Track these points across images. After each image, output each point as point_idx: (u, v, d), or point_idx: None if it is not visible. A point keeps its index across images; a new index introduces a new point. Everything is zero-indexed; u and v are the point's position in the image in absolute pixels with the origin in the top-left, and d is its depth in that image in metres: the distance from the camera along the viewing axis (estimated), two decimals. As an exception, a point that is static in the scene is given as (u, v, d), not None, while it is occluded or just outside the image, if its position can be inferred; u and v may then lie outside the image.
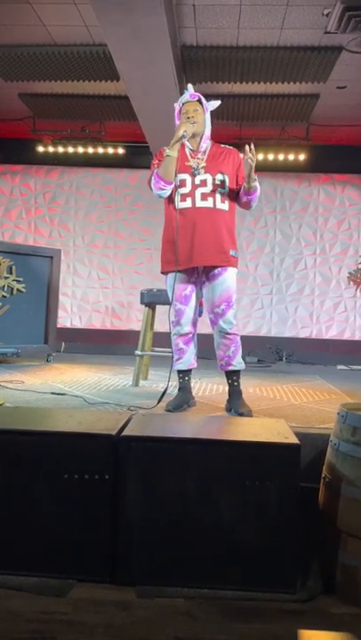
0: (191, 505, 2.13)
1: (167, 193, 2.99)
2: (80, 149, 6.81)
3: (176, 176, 2.95)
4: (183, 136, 2.88)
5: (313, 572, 2.22)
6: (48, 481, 2.16)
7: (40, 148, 6.87)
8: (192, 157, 3.01)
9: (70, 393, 3.54)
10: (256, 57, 4.86)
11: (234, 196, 3.04)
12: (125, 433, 2.22)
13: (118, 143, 6.88)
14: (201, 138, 3.01)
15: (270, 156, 6.59)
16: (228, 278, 3.01)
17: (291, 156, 6.66)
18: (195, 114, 2.96)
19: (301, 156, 6.65)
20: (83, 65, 5.11)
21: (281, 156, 6.64)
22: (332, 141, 6.86)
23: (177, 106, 3.05)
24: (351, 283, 7.08)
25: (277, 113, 6.08)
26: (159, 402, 3.10)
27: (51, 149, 6.83)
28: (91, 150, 6.84)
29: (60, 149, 6.81)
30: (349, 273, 7.09)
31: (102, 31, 4.12)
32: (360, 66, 4.99)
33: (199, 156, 3.01)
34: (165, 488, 2.14)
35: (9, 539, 2.16)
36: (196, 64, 4.98)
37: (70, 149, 6.80)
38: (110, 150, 6.90)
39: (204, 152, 3.02)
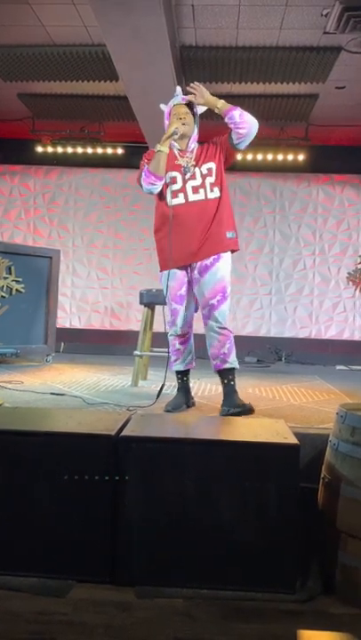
0: (191, 505, 2.14)
1: (158, 189, 3.01)
2: (79, 150, 6.80)
3: (166, 173, 2.98)
4: (175, 132, 2.93)
5: (312, 573, 2.22)
6: (48, 481, 2.16)
7: (39, 149, 6.87)
8: (181, 157, 3.04)
9: (70, 393, 3.54)
10: (255, 57, 4.86)
11: (225, 169, 3.05)
12: (125, 433, 2.22)
13: (117, 143, 6.87)
14: (190, 139, 3.04)
15: (269, 157, 6.59)
16: (222, 267, 2.98)
17: (290, 157, 6.65)
18: (185, 116, 3.01)
19: (300, 157, 6.65)
20: (82, 65, 5.10)
21: (280, 157, 6.64)
22: (331, 142, 6.86)
23: (167, 107, 3.09)
24: (350, 283, 7.08)
25: (276, 113, 6.08)
26: (157, 398, 3.10)
27: (50, 150, 6.82)
28: (90, 150, 6.83)
29: (60, 150, 6.80)
30: (348, 273, 7.09)
31: (101, 31, 4.11)
32: (359, 66, 4.99)
33: (187, 155, 3.04)
34: (165, 488, 2.14)
35: (9, 539, 2.16)
36: (195, 64, 4.98)
37: (69, 150, 6.80)
38: (109, 150, 6.89)
39: (192, 152, 3.05)
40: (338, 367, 6.12)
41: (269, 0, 4.10)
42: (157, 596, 2.04)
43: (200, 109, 3.08)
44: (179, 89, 3.15)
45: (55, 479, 2.16)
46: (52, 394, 3.48)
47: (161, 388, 3.17)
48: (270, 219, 7.18)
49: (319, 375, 5.17)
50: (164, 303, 3.85)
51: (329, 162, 7.01)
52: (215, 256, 2.97)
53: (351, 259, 7.08)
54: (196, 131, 3.07)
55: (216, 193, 3.00)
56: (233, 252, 3.07)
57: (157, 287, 4.18)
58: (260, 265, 7.18)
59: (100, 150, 6.86)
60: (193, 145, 3.06)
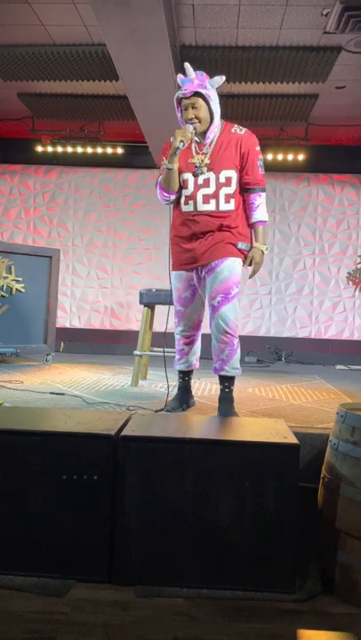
0: (190, 505, 2.14)
1: (172, 200, 2.86)
2: (79, 149, 6.80)
3: (180, 174, 2.81)
4: (179, 148, 2.69)
5: (312, 572, 2.22)
6: (47, 481, 2.16)
7: (39, 148, 6.87)
8: (197, 153, 2.82)
9: (69, 393, 3.54)
10: (255, 57, 4.86)
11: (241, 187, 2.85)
12: (124, 433, 2.22)
13: (117, 143, 6.88)
14: (207, 129, 2.78)
15: (269, 156, 6.59)
16: (228, 267, 2.81)
17: (290, 156, 6.66)
18: (195, 111, 2.72)
19: (300, 156, 6.65)
20: (82, 65, 5.10)
21: (280, 156, 6.64)
22: (331, 141, 6.86)
23: (176, 98, 2.80)
24: (350, 283, 7.09)
25: (276, 113, 6.08)
26: (166, 404, 3.07)
27: (50, 149, 6.83)
28: (90, 150, 6.83)
29: (59, 149, 6.80)
30: (348, 273, 7.09)
31: (101, 31, 4.11)
32: (359, 66, 4.99)
33: (204, 149, 2.81)
34: (165, 488, 2.14)
35: (8, 539, 2.16)
36: (194, 64, 4.94)
37: (69, 149, 6.80)
38: (109, 150, 6.90)
39: (210, 144, 2.81)
40: (338, 367, 6.12)
41: (269, 0, 4.10)
42: (157, 596, 2.04)
43: (216, 83, 2.73)
44: (187, 66, 2.77)
45: (55, 479, 2.16)
46: (51, 393, 3.48)
47: (168, 391, 3.15)
48: (270, 218, 7.14)
49: (319, 375, 5.17)
50: (164, 303, 3.86)
51: (329, 162, 7.01)
52: (221, 259, 2.82)
53: (351, 258, 7.09)
54: (215, 118, 2.76)
55: (231, 205, 2.79)
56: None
57: (157, 287, 4.19)
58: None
59: (99, 150, 6.86)
60: (212, 135, 2.79)
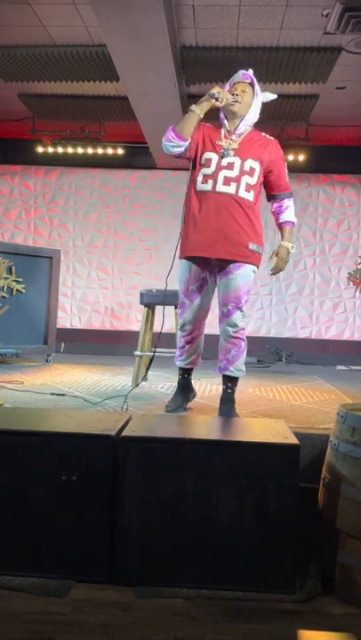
0: (190, 505, 2.13)
1: (175, 149, 2.75)
2: (79, 150, 6.80)
3: (204, 154, 2.80)
4: (213, 95, 2.68)
5: (312, 573, 2.22)
6: (47, 481, 2.16)
7: (39, 149, 6.87)
8: (226, 137, 2.82)
9: (70, 393, 3.54)
10: (255, 57, 4.86)
11: (261, 188, 2.91)
12: (125, 433, 2.22)
13: (117, 144, 6.88)
14: (241, 121, 2.83)
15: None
16: (241, 276, 2.80)
17: (290, 157, 6.64)
18: (241, 94, 2.79)
19: (301, 157, 6.65)
20: (82, 65, 5.11)
21: (280, 157, 6.63)
22: (331, 142, 6.86)
23: (227, 85, 2.87)
24: (351, 283, 7.08)
25: (277, 113, 6.07)
26: (166, 406, 3.05)
27: (50, 150, 6.83)
28: (90, 151, 6.83)
29: (60, 150, 6.80)
30: (349, 273, 7.09)
31: (102, 31, 4.11)
32: (359, 66, 4.99)
33: (233, 137, 2.82)
34: (165, 488, 2.14)
35: (8, 539, 2.16)
36: (195, 64, 4.98)
37: (70, 150, 6.80)
38: (110, 151, 6.90)
39: (240, 135, 2.83)
40: (338, 367, 6.11)
41: (270, 0, 4.10)
42: (157, 596, 2.04)
43: (265, 97, 2.87)
44: (250, 71, 2.89)
45: (55, 479, 2.16)
46: (52, 394, 3.48)
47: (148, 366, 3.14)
48: (271, 218, 7.16)
49: (319, 375, 5.17)
50: (164, 304, 3.86)
51: (329, 162, 7.01)
52: (235, 264, 2.80)
53: (352, 259, 7.09)
54: (253, 114, 2.83)
55: (250, 196, 2.78)
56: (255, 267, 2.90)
57: (158, 287, 4.19)
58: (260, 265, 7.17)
59: (100, 150, 6.86)
60: (244, 128, 2.83)
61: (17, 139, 7.06)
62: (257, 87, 2.87)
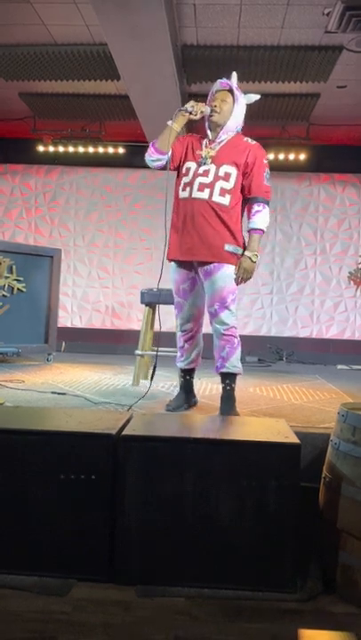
0: (191, 504, 2.13)
1: (156, 163, 2.93)
2: (80, 149, 6.80)
3: (185, 163, 2.92)
4: (187, 110, 2.82)
5: (313, 572, 2.22)
6: (48, 480, 2.16)
7: (40, 148, 6.86)
8: (206, 147, 2.92)
9: (71, 392, 3.54)
10: (256, 56, 4.86)
11: (241, 192, 2.92)
12: (125, 432, 2.21)
13: (118, 143, 6.87)
14: (221, 129, 2.91)
15: (271, 156, 6.57)
16: (221, 277, 2.86)
17: (291, 156, 6.65)
18: (221, 103, 2.88)
19: (302, 156, 6.64)
20: (83, 64, 5.10)
21: (281, 156, 6.63)
22: (332, 141, 6.85)
23: (209, 95, 2.97)
24: (351, 282, 7.08)
25: (278, 112, 6.07)
26: (167, 405, 3.08)
27: (51, 149, 6.82)
28: (91, 150, 6.83)
29: (61, 149, 6.80)
30: (350, 273, 7.08)
31: (102, 30, 4.11)
32: (360, 65, 4.99)
33: (213, 145, 2.91)
34: (165, 488, 2.14)
35: (8, 538, 2.16)
36: (196, 63, 4.98)
37: (70, 149, 6.79)
38: (110, 150, 6.89)
39: (220, 143, 2.92)
40: (339, 367, 6.12)
41: (271, -1, 4.10)
42: (158, 595, 2.04)
43: (249, 98, 2.95)
44: (234, 75, 2.97)
45: (56, 478, 2.16)
46: (52, 393, 3.48)
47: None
48: (271, 218, 7.07)
49: (320, 375, 5.17)
50: (165, 303, 3.86)
51: (330, 161, 7.00)
52: (214, 265, 2.85)
53: (352, 258, 7.08)
54: (234, 120, 2.91)
55: (225, 200, 2.84)
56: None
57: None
58: (261, 264, 7.16)
59: (101, 150, 6.85)
60: (225, 136, 2.92)
61: (18, 138, 7.05)
62: (237, 93, 2.93)
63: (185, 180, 2.92)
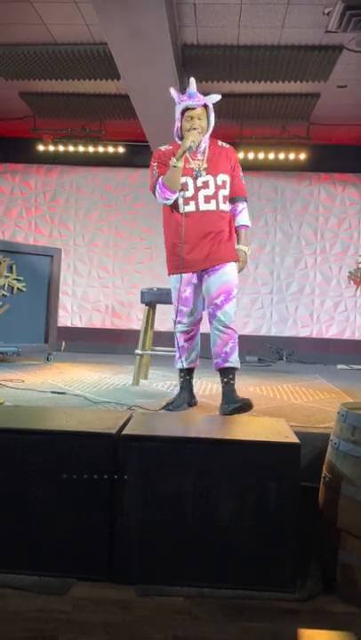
0: (191, 504, 2.13)
1: (172, 202, 2.99)
2: (80, 148, 6.80)
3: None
4: (190, 147, 2.88)
5: (313, 572, 2.22)
6: (48, 480, 2.16)
7: (40, 147, 6.86)
8: (193, 159, 2.99)
9: (70, 392, 3.54)
10: (257, 56, 4.85)
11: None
12: (125, 432, 2.22)
13: (118, 142, 6.87)
14: (201, 140, 2.98)
15: (271, 156, 6.58)
16: (229, 271, 2.99)
17: (291, 156, 6.65)
18: (198, 122, 2.92)
19: (302, 156, 6.64)
20: (83, 64, 5.10)
21: (281, 155, 6.63)
22: (332, 140, 6.85)
23: (178, 107, 2.95)
24: (351, 282, 7.08)
25: (278, 112, 6.07)
26: (167, 405, 3.08)
27: (51, 148, 6.82)
28: (91, 149, 6.83)
29: (61, 148, 6.80)
30: (350, 272, 7.09)
31: (102, 30, 4.11)
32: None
33: (199, 157, 3.00)
34: (165, 487, 2.14)
35: (8, 538, 2.16)
36: (196, 63, 4.97)
37: (71, 148, 6.79)
38: (111, 149, 6.89)
39: (203, 152, 3.01)
40: (339, 366, 6.12)
41: (271, -1, 4.10)
42: (157, 595, 2.04)
43: (213, 99, 2.96)
44: (192, 81, 2.98)
45: (55, 478, 2.16)
46: (52, 392, 3.48)
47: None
48: (271, 218, 7.17)
49: (320, 374, 5.17)
50: (165, 302, 3.87)
51: (330, 161, 7.00)
52: (225, 263, 2.99)
53: (352, 258, 7.08)
54: (210, 127, 2.99)
55: (227, 207, 3.03)
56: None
57: (158, 286, 4.19)
58: (261, 264, 7.17)
59: (101, 149, 6.85)
60: (204, 144, 3.00)
61: (18, 137, 7.05)
62: (208, 104, 2.95)
63: (186, 194, 2.97)
